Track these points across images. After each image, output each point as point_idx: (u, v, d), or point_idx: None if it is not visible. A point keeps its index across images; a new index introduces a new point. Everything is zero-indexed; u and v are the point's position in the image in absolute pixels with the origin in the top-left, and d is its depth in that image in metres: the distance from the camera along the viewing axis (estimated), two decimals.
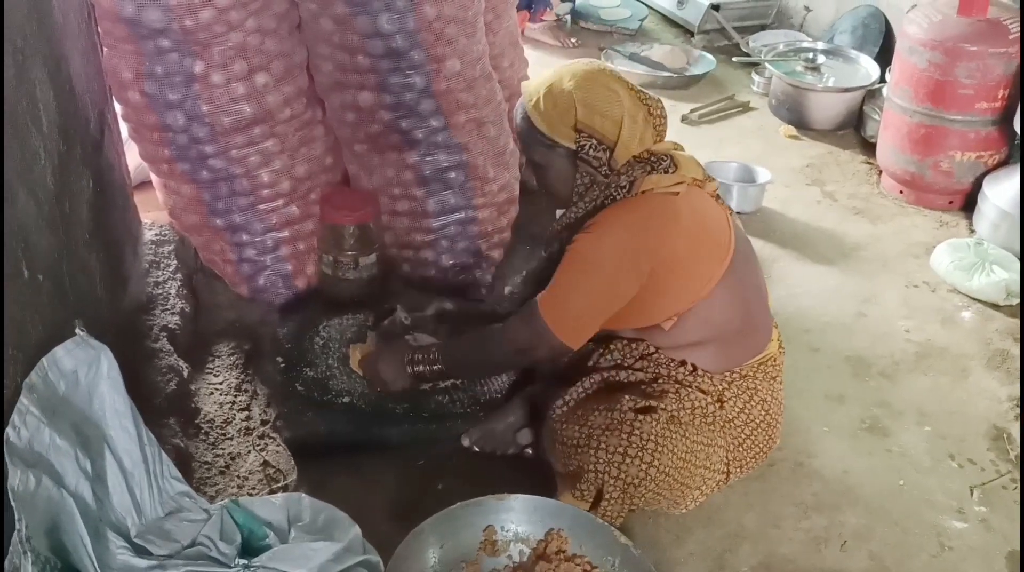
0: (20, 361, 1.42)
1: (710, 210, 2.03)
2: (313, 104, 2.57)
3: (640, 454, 1.89)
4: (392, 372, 2.18)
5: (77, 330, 1.54)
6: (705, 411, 2.00)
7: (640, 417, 1.92)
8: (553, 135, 1.96)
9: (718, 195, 2.09)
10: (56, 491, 1.32)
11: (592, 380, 2.05)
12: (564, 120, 1.94)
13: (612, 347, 2.08)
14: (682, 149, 2.08)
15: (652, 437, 1.90)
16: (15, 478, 1.23)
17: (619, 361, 2.07)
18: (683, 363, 2.04)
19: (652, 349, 2.05)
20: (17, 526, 1.18)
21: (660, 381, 2.02)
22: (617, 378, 2.04)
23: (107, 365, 1.55)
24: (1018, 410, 2.46)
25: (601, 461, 1.90)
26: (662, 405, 1.95)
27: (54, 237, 1.66)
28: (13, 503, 1.22)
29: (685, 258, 1.96)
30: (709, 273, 1.98)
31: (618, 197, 1.96)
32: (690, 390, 2.01)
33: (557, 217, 2.13)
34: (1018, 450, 2.32)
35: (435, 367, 2.13)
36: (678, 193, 1.94)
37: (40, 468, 1.30)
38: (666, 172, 1.96)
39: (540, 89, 1.98)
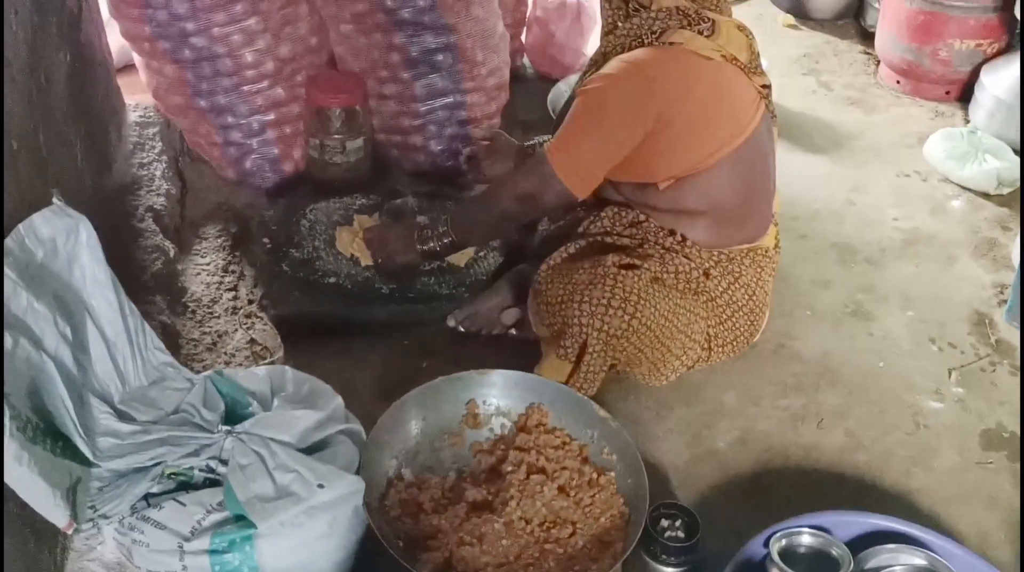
0: None
1: (738, 90, 1.99)
2: None
3: (623, 306, 1.88)
4: (400, 246, 2.19)
5: (54, 199, 1.53)
6: (689, 276, 2.01)
7: (624, 272, 1.92)
8: None
9: (768, 94, 2.06)
10: (35, 353, 1.33)
11: (577, 244, 2.05)
12: None
13: (603, 214, 2.08)
14: (749, 34, 2.04)
15: (635, 291, 1.90)
16: None
17: (608, 228, 2.07)
18: (672, 233, 2.05)
19: (643, 217, 2.05)
20: None
21: (646, 246, 2.02)
22: (603, 242, 2.04)
23: (86, 235, 1.54)
24: (1002, 297, 2.47)
25: (584, 314, 1.90)
26: (646, 266, 1.96)
27: (28, 106, 1.64)
28: None
29: (694, 120, 1.93)
30: (713, 147, 1.96)
31: (646, 42, 1.94)
32: (675, 255, 2.01)
33: None
34: (999, 334, 2.35)
35: (445, 240, 2.12)
36: (711, 59, 1.92)
37: (17, 329, 1.31)
38: (702, 34, 1.93)
39: None
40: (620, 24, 2.00)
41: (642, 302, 1.90)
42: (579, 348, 1.92)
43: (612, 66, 1.94)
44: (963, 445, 2.05)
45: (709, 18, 1.95)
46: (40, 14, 1.80)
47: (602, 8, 2.06)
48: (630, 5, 1.97)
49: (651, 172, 1.99)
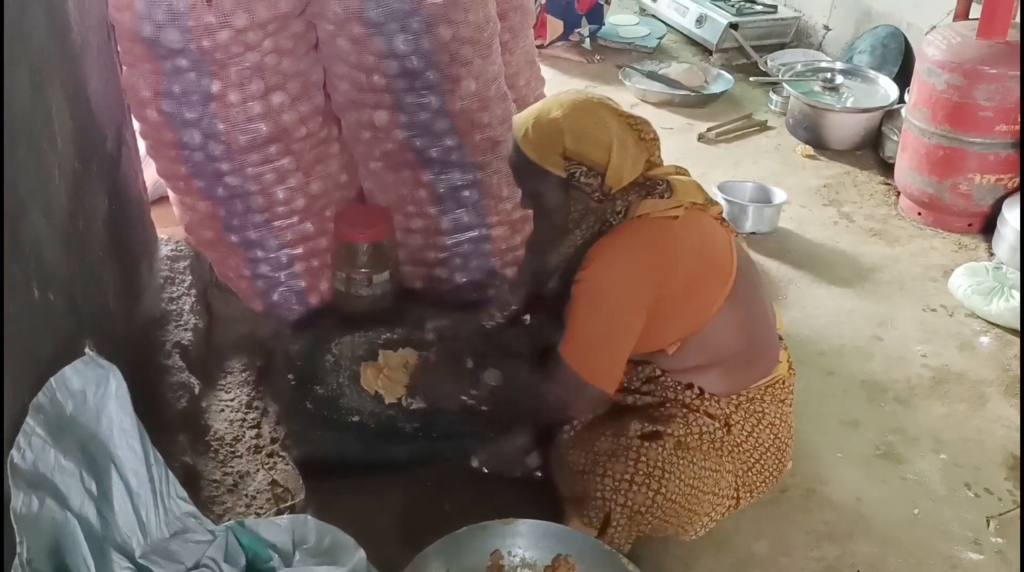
0: (28, 380, 1.42)
1: (711, 233, 2.01)
2: (329, 122, 2.58)
3: (647, 481, 1.88)
4: (446, 394, 2.23)
5: (87, 350, 1.54)
6: (713, 436, 1.99)
7: (647, 444, 1.91)
8: (543, 164, 1.96)
9: (723, 218, 2.08)
10: (60, 512, 1.32)
11: None
12: (553, 149, 1.95)
13: None
14: (685, 173, 2.07)
15: (659, 464, 1.89)
16: (18, 500, 1.24)
17: (626, 385, 2.06)
18: (690, 386, 2.03)
19: (658, 372, 2.05)
20: (18, 549, 1.18)
21: (667, 405, 2.01)
22: (624, 402, 2.03)
23: (116, 385, 1.55)
24: None
25: (608, 488, 1.89)
26: (669, 430, 1.94)
27: (67, 255, 1.67)
28: (15, 525, 1.22)
29: (687, 282, 1.95)
30: (712, 297, 1.97)
31: (614, 222, 1.96)
32: (698, 415, 1.99)
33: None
34: None
35: (483, 407, 2.15)
36: (676, 217, 1.94)
37: (44, 490, 1.30)
38: (661, 197, 1.95)
39: (528, 120, 1.98)
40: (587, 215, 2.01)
41: (667, 476, 1.88)
42: (603, 517, 1.90)
43: (597, 256, 1.94)
44: None
45: (662, 180, 1.98)
46: (82, 161, 1.85)
47: (562, 208, 2.03)
48: (594, 197, 1.98)
49: (658, 341, 2.00)
